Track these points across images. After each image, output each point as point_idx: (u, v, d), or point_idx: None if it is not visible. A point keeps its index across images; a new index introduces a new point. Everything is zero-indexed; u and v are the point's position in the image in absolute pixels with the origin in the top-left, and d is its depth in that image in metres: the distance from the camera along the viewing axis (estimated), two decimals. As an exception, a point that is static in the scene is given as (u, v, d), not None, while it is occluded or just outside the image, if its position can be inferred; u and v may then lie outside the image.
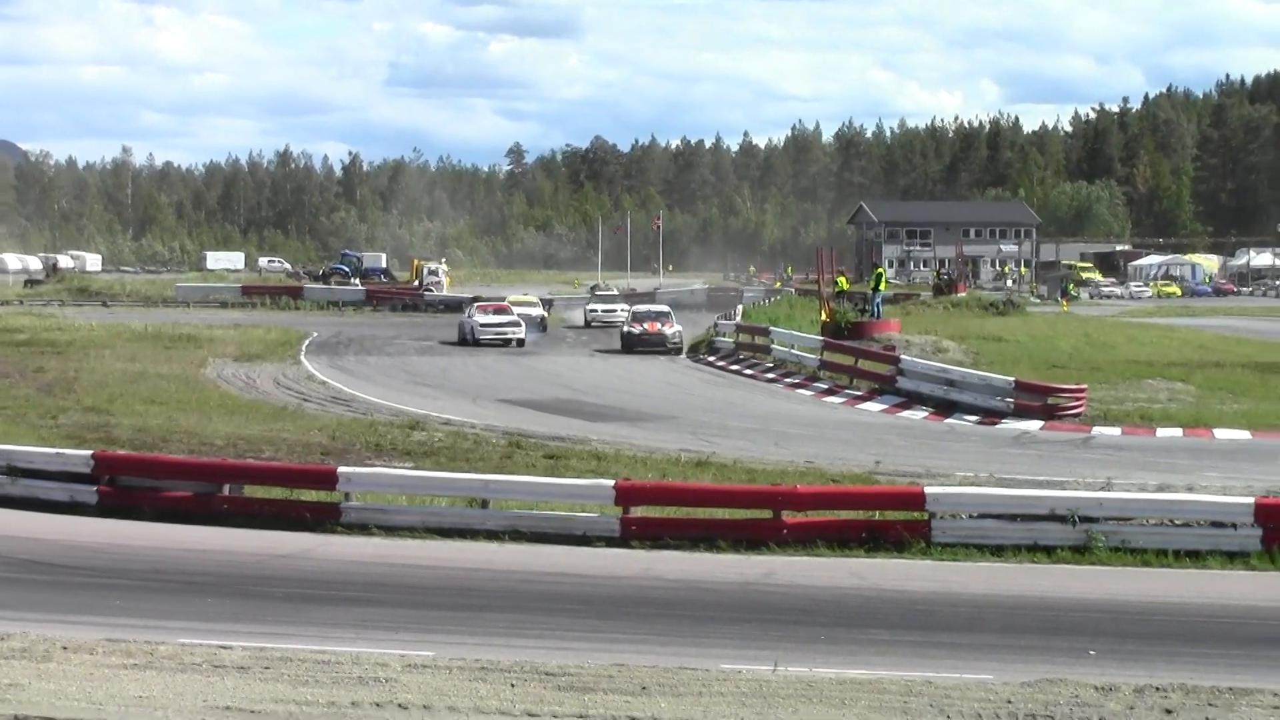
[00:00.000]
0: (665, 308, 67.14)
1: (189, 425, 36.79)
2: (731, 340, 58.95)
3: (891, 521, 24.80)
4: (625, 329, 61.68)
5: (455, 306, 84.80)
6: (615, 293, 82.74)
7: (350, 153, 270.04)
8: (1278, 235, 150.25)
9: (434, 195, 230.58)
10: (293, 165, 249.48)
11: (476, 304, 66.86)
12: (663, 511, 25.66)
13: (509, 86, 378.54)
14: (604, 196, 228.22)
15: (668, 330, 60.64)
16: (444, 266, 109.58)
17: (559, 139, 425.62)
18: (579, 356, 58.97)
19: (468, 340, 61.89)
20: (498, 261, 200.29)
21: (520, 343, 61.43)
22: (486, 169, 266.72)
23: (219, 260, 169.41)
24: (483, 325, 62.10)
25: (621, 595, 21.59)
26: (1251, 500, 24.42)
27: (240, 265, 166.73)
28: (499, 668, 16.43)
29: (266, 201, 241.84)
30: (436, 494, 26.87)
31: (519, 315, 64.70)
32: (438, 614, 20.09)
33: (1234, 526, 23.96)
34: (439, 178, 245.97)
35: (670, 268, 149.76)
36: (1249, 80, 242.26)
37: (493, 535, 25.32)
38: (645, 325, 61.04)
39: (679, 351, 59.04)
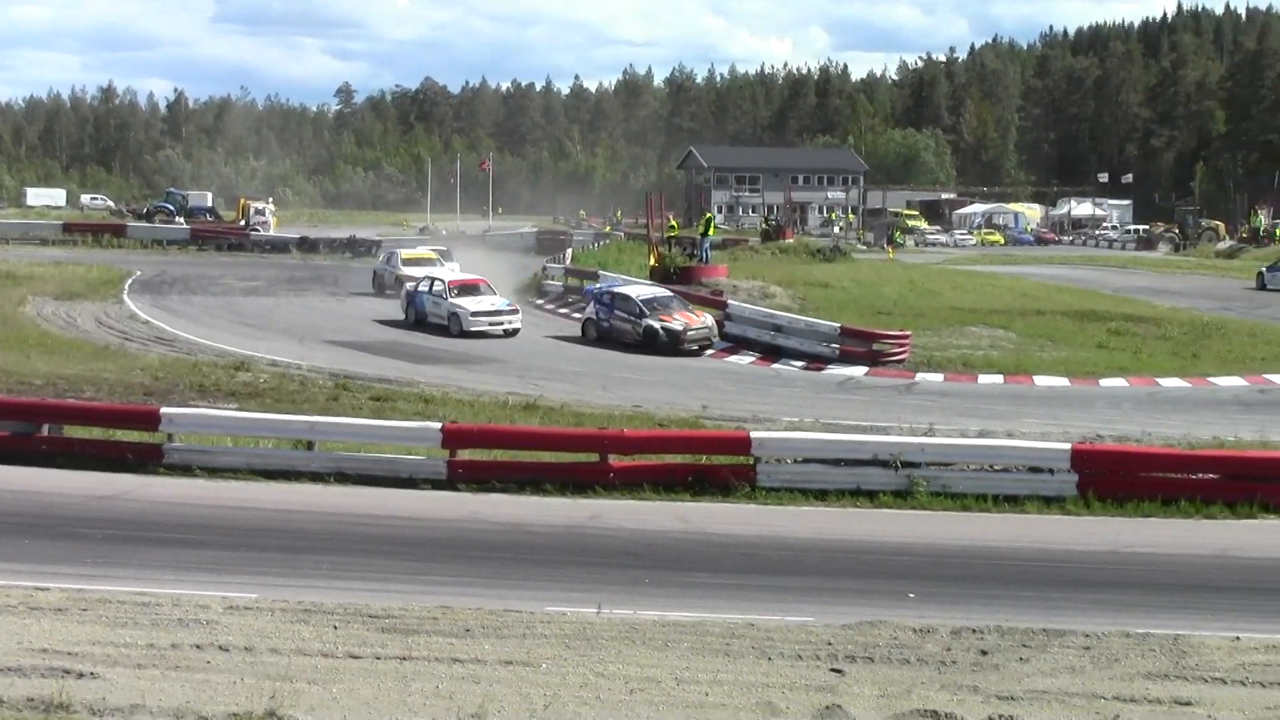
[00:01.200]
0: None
1: (6, 364, 36.13)
2: (560, 284, 58.83)
3: (717, 466, 24.99)
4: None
5: (281, 246, 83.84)
6: (437, 252, 62.92)
7: (176, 89, 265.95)
8: (1098, 186, 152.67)
9: (261, 134, 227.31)
10: (117, 101, 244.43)
11: (449, 282, 49.47)
12: (490, 454, 25.68)
13: (339, 25, 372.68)
14: (434, 138, 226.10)
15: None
16: (271, 206, 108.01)
17: (389, 79, 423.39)
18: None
19: (449, 330, 47.12)
20: (326, 202, 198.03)
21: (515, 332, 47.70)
22: (315, 108, 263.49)
23: (40, 197, 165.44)
24: (474, 314, 47.10)
25: (447, 538, 21.58)
26: (1068, 446, 24.91)
27: (62, 202, 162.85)
28: (322, 610, 16.37)
29: (89, 138, 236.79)
30: (261, 435, 26.67)
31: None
32: (261, 556, 19.96)
33: (1051, 472, 24.44)
34: (266, 116, 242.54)
35: (500, 210, 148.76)
36: (1071, 32, 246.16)
37: (318, 477, 25.18)
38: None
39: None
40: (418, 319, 48.98)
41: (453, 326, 47.23)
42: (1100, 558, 21.20)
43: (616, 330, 45.36)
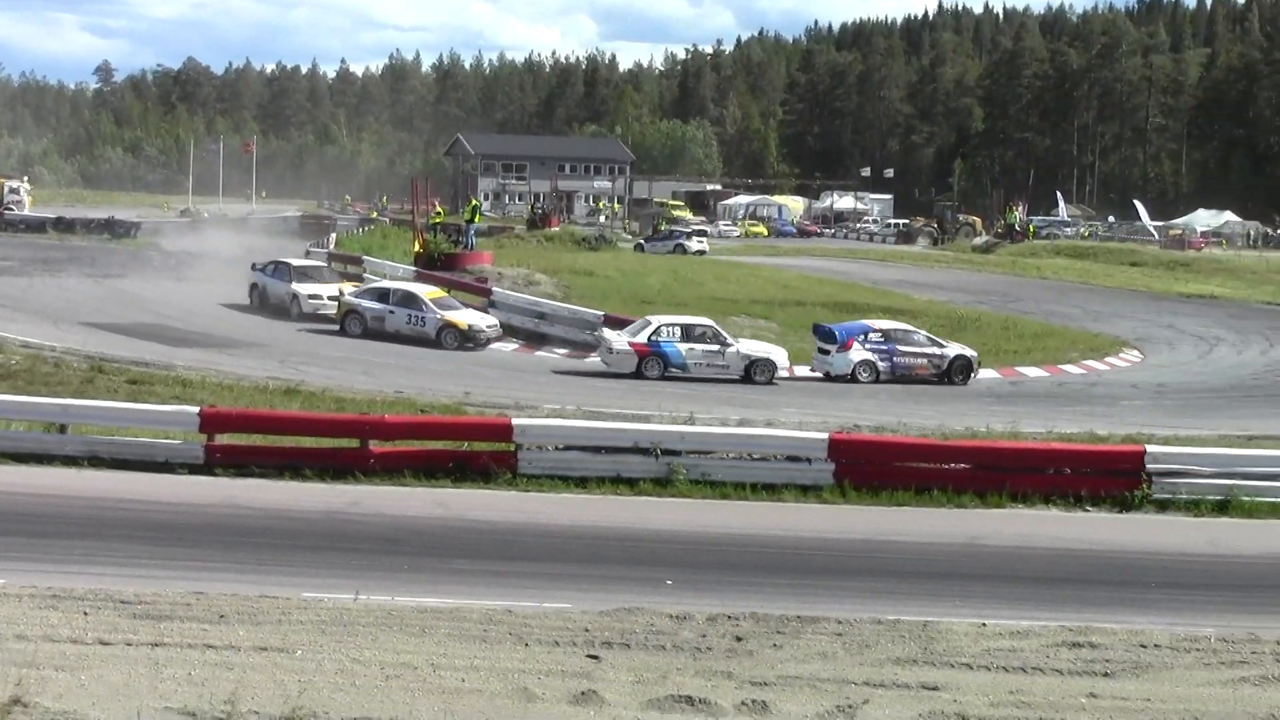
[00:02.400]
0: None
1: None
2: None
3: (479, 452, 24.94)
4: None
5: (37, 226, 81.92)
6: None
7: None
8: (860, 180, 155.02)
9: (16, 111, 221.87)
10: None
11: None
12: (249, 439, 25.34)
13: (98, 2, 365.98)
14: (196, 120, 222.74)
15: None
16: (26, 185, 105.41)
17: (150, 59, 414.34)
18: (164, 280, 57.30)
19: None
20: (84, 182, 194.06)
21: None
22: (73, 86, 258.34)
23: None
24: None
25: (203, 523, 21.25)
26: (825, 436, 25.21)
27: None
28: (72, 595, 16.06)
29: None
30: (11, 418, 25.99)
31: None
32: (9, 540, 19.47)
33: (808, 461, 24.74)
34: (21, 94, 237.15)
35: (264, 194, 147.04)
36: (836, 27, 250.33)
37: (71, 461, 24.63)
38: None
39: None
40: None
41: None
42: (854, 546, 21.55)
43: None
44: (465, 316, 43.62)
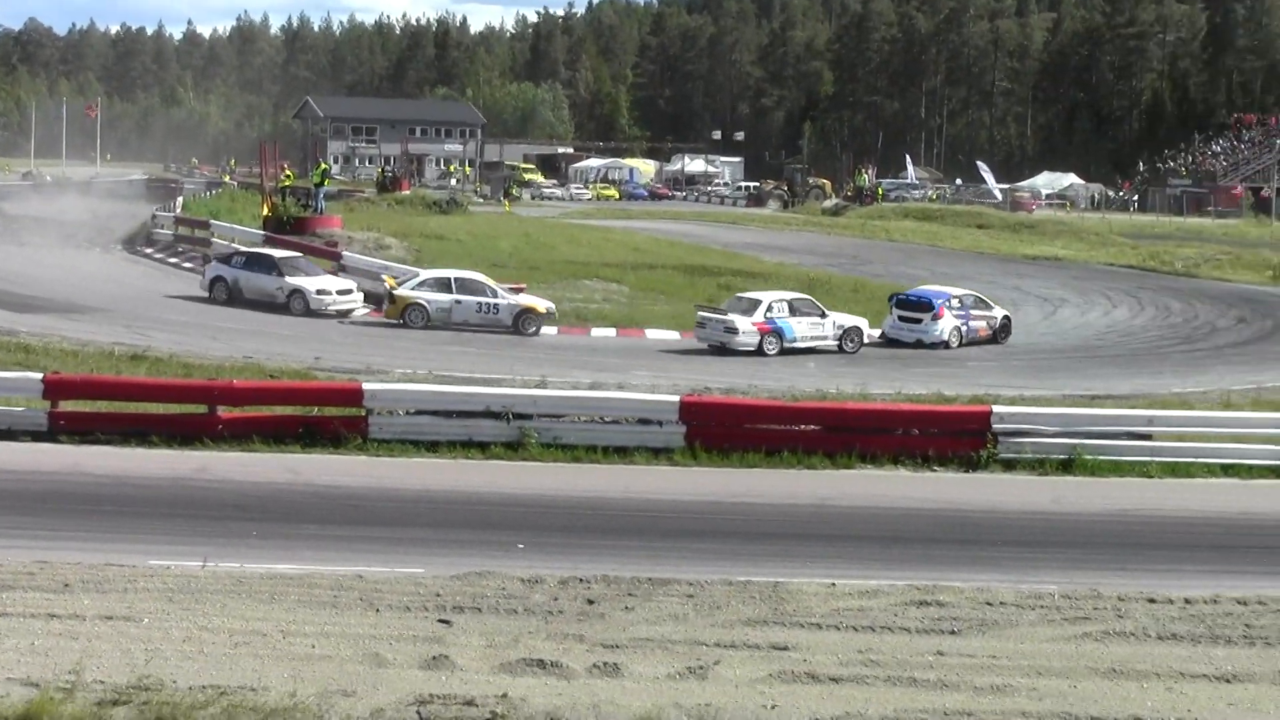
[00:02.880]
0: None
1: None
2: (171, 232, 57.52)
3: (329, 417, 24.79)
4: None
5: None
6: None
7: None
8: (710, 143, 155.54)
9: None
10: None
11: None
12: (94, 406, 25.00)
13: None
14: (39, 81, 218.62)
15: None
16: None
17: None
18: (7, 245, 56.22)
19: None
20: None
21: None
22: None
23: None
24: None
25: (47, 491, 20.96)
26: (676, 399, 25.33)
27: None
28: (-88, 567, 15.81)
29: None
30: None
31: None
32: None
33: (660, 424, 24.82)
34: None
35: (108, 157, 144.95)
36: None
37: (-90, 430, 24.20)
38: None
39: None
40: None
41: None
42: (705, 508, 21.67)
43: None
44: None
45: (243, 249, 46.34)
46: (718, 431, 24.93)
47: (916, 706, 13.27)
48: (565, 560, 17.70)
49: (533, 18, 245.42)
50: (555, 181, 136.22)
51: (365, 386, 25.12)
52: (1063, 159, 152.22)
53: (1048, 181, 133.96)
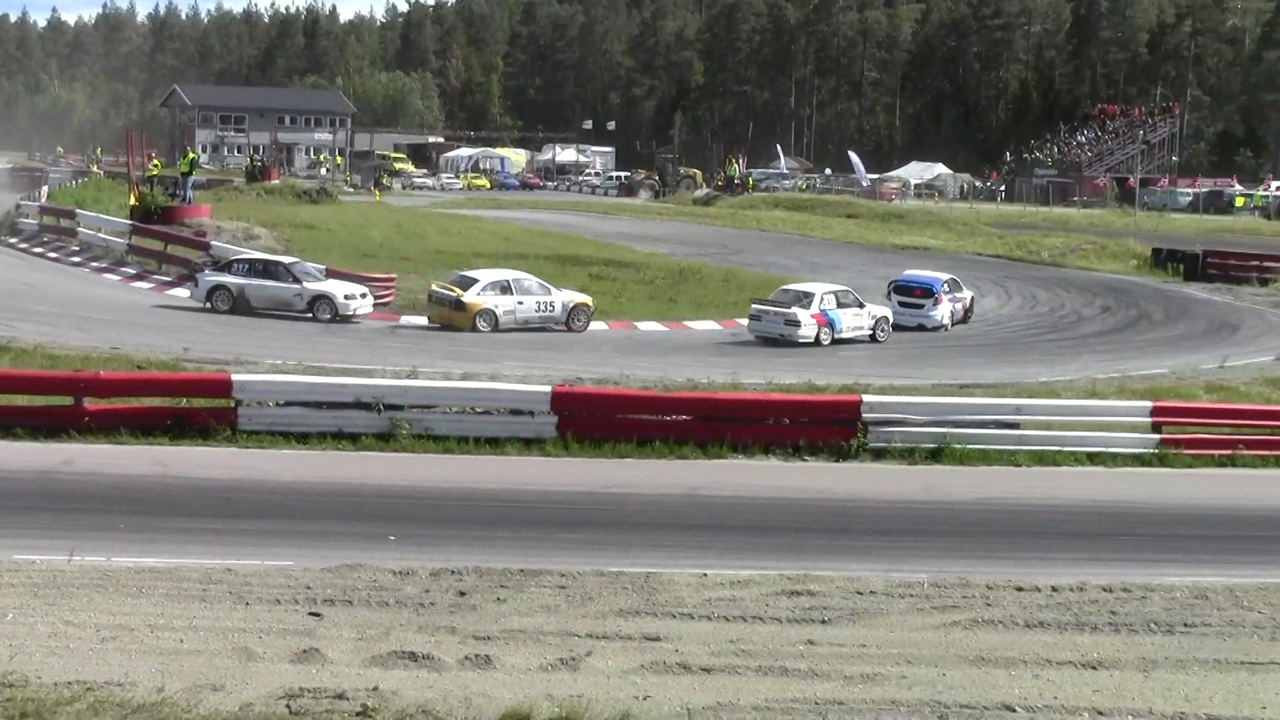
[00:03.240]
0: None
1: None
2: (35, 222, 56.66)
3: (198, 409, 24.52)
4: None
5: None
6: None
7: None
8: (582, 132, 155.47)
9: None
10: None
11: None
12: (-45, 399, 24.61)
13: None
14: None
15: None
16: None
17: None
18: None
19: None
20: None
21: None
22: None
23: None
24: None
25: (-91, 485, 20.60)
26: (548, 389, 25.31)
27: None
28: None
29: None
30: None
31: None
32: None
33: (532, 414, 24.81)
34: None
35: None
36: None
37: None
38: None
39: None
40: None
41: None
42: (578, 498, 21.67)
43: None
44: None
45: (244, 256, 43.61)
46: (589, 421, 24.96)
47: (788, 696, 13.36)
48: (437, 552, 17.65)
49: (403, 6, 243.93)
50: (426, 171, 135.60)
51: (234, 378, 24.89)
52: (931, 149, 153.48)
53: (916, 171, 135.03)
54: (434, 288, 41.03)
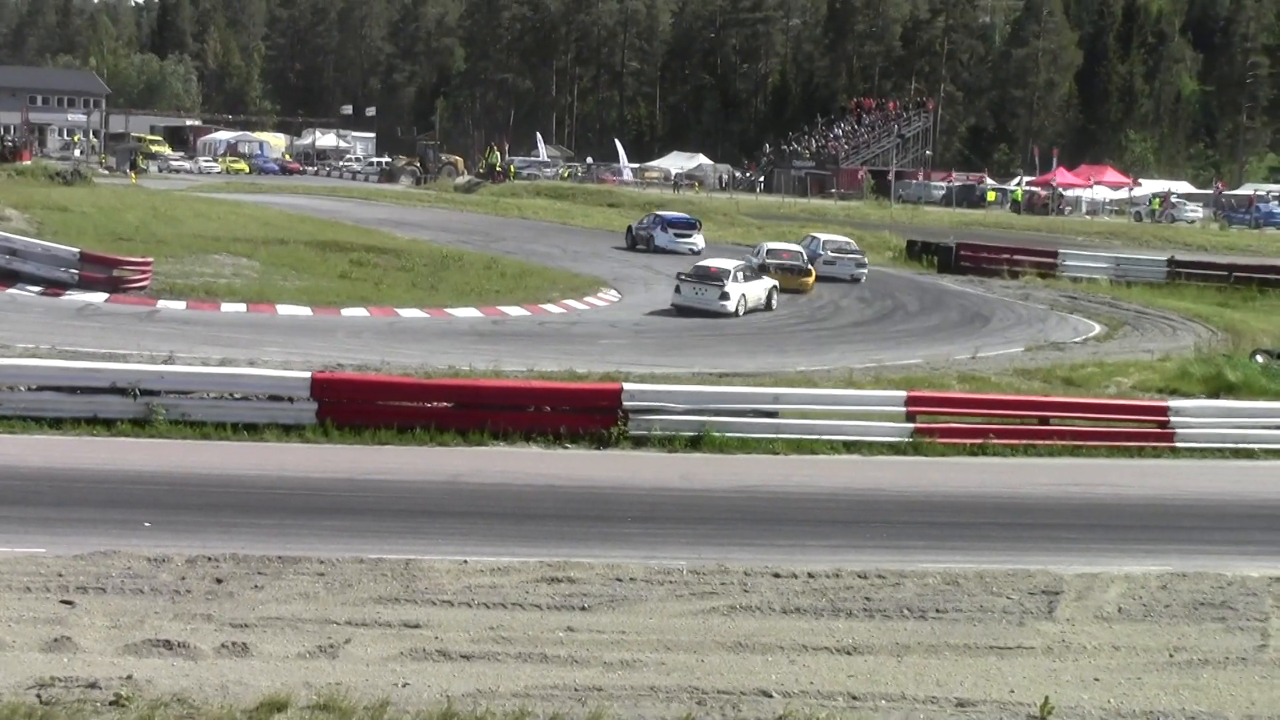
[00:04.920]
0: None
1: None
2: None
3: (-56, 394, 23.93)
4: None
5: None
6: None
7: None
8: (342, 118, 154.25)
9: None
10: None
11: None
12: None
13: None
14: None
15: None
16: None
17: None
18: None
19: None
20: None
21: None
22: None
23: None
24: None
25: None
26: (308, 375, 25.09)
27: None
28: None
29: None
30: None
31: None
32: None
33: (291, 400, 24.61)
34: None
35: None
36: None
37: None
38: None
39: None
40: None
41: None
42: (337, 485, 21.55)
43: None
44: None
45: None
46: (350, 408, 24.83)
47: (547, 683, 13.44)
48: (194, 539, 17.42)
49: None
50: (183, 154, 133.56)
51: (-18, 363, 24.34)
52: (691, 140, 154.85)
53: (677, 161, 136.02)
54: (780, 260, 52.03)
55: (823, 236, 59.96)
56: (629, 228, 67.58)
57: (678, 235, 63.16)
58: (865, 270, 56.48)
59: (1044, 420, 28.08)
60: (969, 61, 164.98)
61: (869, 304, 50.28)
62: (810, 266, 53.15)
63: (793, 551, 18.87)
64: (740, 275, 45.95)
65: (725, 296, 44.49)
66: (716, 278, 45.33)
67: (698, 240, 63.09)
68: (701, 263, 49.32)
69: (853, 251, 57.87)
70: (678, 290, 45.31)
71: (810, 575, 17.29)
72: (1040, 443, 27.47)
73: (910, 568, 18.02)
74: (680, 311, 44.50)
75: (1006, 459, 26.79)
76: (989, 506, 23.28)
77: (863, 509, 22.48)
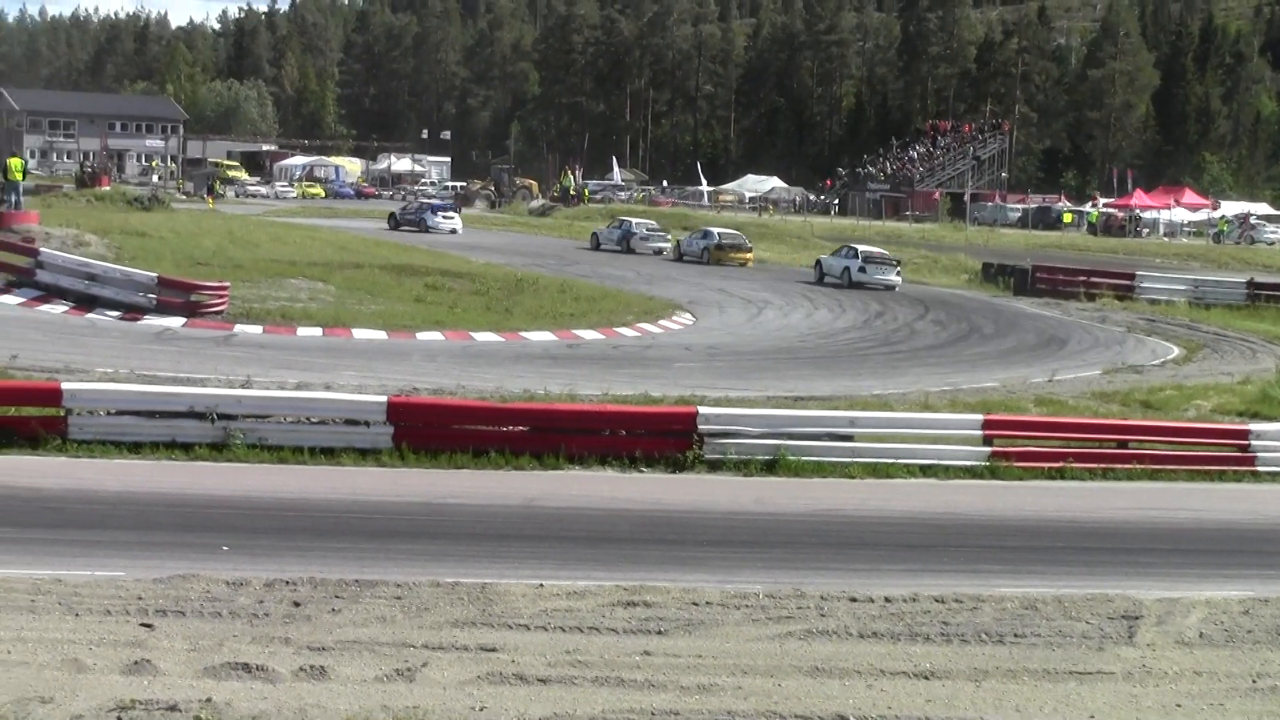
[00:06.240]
0: None
1: None
2: None
3: (26, 417, 24.11)
4: None
5: None
6: None
7: None
8: (418, 142, 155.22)
9: None
10: None
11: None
12: None
13: None
14: None
15: None
16: None
17: None
18: None
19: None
20: None
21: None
22: None
23: None
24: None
25: None
26: (384, 399, 25.19)
27: None
28: None
29: None
30: None
31: None
32: None
33: (367, 424, 24.65)
34: None
35: None
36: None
37: None
38: None
39: None
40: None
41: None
42: (413, 509, 21.57)
43: None
44: None
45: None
46: (425, 432, 24.86)
47: (624, 706, 13.39)
48: (271, 562, 17.48)
49: (235, 13, 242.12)
50: (259, 179, 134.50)
51: (64, 386, 24.52)
52: (766, 163, 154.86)
53: (751, 184, 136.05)
54: (723, 240, 71.42)
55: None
56: (390, 214, 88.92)
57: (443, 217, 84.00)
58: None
59: (1123, 444, 27.85)
60: (1044, 83, 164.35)
61: (944, 327, 50.09)
62: (749, 245, 72.01)
63: (869, 576, 18.76)
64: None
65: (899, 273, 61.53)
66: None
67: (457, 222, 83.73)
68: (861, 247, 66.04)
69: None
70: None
71: (887, 600, 17.20)
72: (1119, 466, 27.24)
73: (988, 592, 17.90)
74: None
75: (1085, 483, 26.58)
76: (1067, 530, 23.11)
77: (939, 533, 22.34)
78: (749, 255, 70.26)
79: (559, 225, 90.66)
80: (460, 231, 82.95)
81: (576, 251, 72.70)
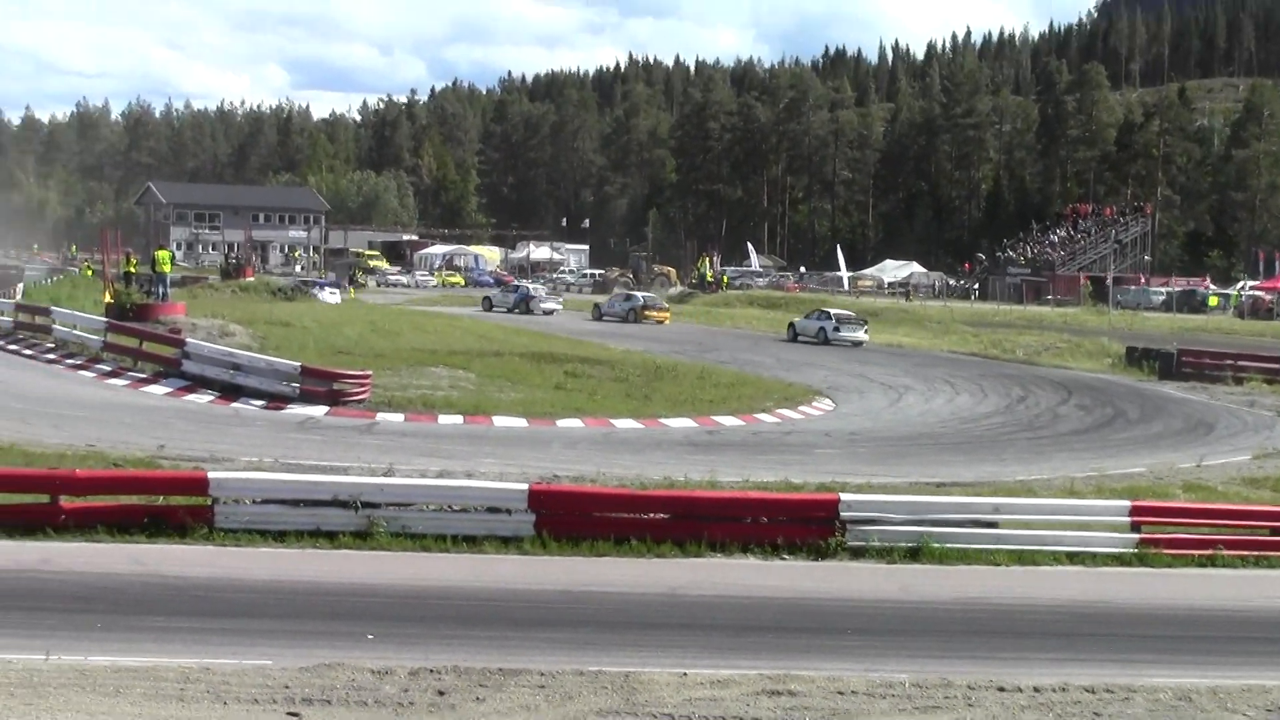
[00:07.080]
0: None
1: None
2: (10, 319, 56.52)
3: (174, 507, 24.40)
4: None
5: None
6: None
7: None
8: (556, 229, 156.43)
9: None
10: None
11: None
12: (-70, 497, 24.45)
13: None
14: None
15: None
16: None
17: None
18: None
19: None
20: None
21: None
22: None
23: None
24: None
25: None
26: (525, 486, 25.22)
27: None
28: None
29: None
30: None
31: None
32: None
33: (509, 512, 24.71)
34: None
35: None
36: (529, 78, 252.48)
37: None
38: None
39: None
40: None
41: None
42: (555, 597, 21.56)
43: None
44: None
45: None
46: (567, 519, 24.88)
47: (771, 796, 13.28)
48: (416, 651, 17.54)
49: (376, 104, 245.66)
50: (400, 268, 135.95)
51: (211, 475, 24.80)
52: (904, 247, 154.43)
53: (890, 269, 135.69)
54: (643, 303, 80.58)
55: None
56: (485, 297, 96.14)
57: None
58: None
59: (1276, 530, 27.35)
60: (1186, 165, 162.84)
61: (1088, 411, 49.50)
62: (666, 306, 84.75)
63: (1017, 665, 18.51)
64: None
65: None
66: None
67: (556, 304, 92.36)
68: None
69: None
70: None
71: (1036, 689, 16.94)
72: (1273, 554, 26.74)
73: (1140, 682, 17.59)
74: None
75: (1237, 570, 26.12)
76: (1220, 619, 22.69)
77: (1088, 621, 22.01)
78: (665, 315, 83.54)
79: (698, 312, 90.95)
80: (558, 311, 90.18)
81: (715, 337, 72.72)
